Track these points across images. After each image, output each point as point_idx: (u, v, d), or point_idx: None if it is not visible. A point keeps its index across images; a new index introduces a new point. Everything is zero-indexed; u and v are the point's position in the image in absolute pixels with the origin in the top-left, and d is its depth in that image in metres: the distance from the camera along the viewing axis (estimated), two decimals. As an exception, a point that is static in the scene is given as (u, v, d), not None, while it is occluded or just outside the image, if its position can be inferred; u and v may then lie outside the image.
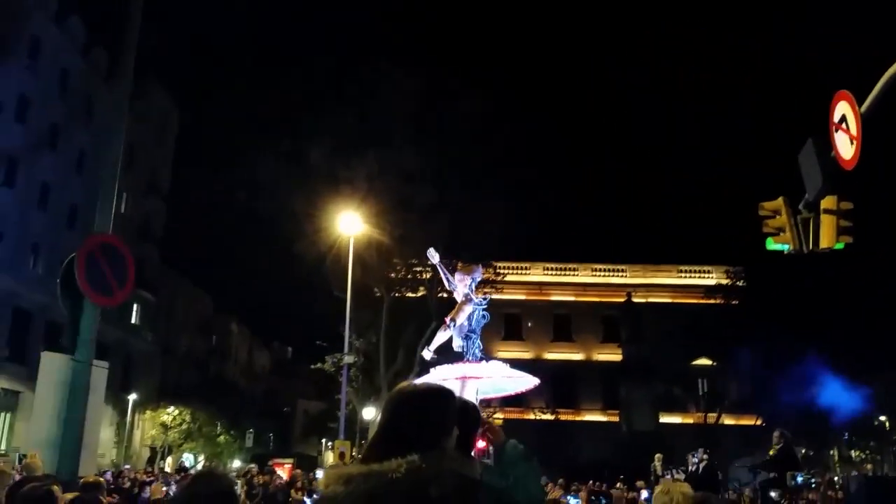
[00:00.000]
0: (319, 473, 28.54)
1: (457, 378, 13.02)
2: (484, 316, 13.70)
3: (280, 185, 33.19)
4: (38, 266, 46.90)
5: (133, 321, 57.75)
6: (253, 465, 33.57)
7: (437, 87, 33.85)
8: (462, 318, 13.53)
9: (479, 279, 14.10)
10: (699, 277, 53.48)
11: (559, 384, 47.83)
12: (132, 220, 54.87)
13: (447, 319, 13.46)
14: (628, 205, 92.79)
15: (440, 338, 13.77)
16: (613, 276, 55.60)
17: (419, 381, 2.89)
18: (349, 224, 27.47)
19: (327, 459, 46.13)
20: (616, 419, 50.74)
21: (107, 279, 7.00)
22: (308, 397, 73.25)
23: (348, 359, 27.56)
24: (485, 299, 13.79)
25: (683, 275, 54.76)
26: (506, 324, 51.98)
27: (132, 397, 52.58)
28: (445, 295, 32.83)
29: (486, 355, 13.97)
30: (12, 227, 43.84)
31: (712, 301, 45.77)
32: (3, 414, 43.31)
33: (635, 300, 51.07)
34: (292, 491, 22.71)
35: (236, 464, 55.65)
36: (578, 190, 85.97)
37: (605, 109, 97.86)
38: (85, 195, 48.11)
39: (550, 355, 52.56)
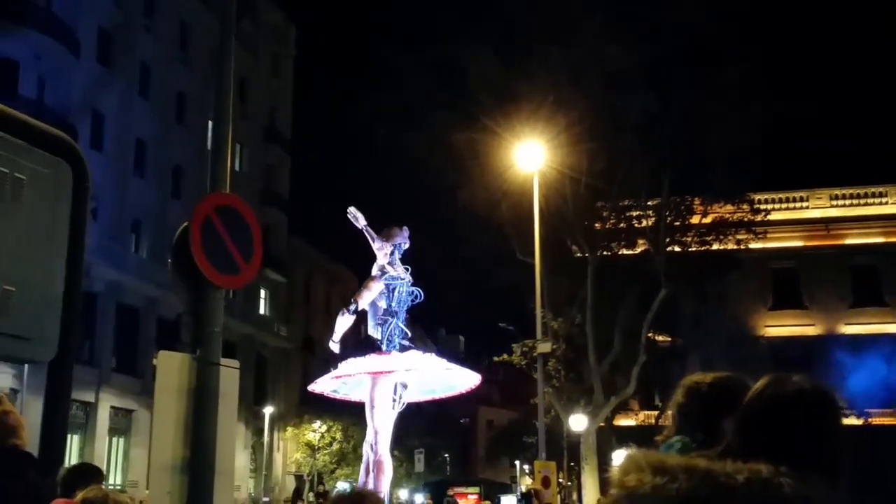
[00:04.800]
0: None
1: (367, 373, 11.90)
2: (413, 295, 12.79)
3: (433, 110, 26.48)
4: (142, 249, 37.45)
5: (262, 311, 47.19)
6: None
7: None
8: (368, 299, 12.65)
9: (404, 246, 13.14)
10: None
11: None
12: (251, 178, 44.75)
13: (353, 299, 12.82)
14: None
15: (341, 325, 12.76)
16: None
17: (787, 379, 1.89)
18: (530, 156, 22.32)
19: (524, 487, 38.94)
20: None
21: (229, 252, 5.23)
22: (491, 403, 61.93)
23: (543, 346, 21.88)
24: (406, 270, 12.96)
25: None
26: (775, 286, 37.89)
27: (268, 411, 42.60)
28: (678, 249, 27.70)
29: (413, 342, 12.87)
30: (106, 200, 33.67)
31: None
32: (115, 438, 35.79)
33: None
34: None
35: (403, 494, 45.10)
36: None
37: None
38: (186, 151, 38.50)
39: (849, 328, 36.90)
